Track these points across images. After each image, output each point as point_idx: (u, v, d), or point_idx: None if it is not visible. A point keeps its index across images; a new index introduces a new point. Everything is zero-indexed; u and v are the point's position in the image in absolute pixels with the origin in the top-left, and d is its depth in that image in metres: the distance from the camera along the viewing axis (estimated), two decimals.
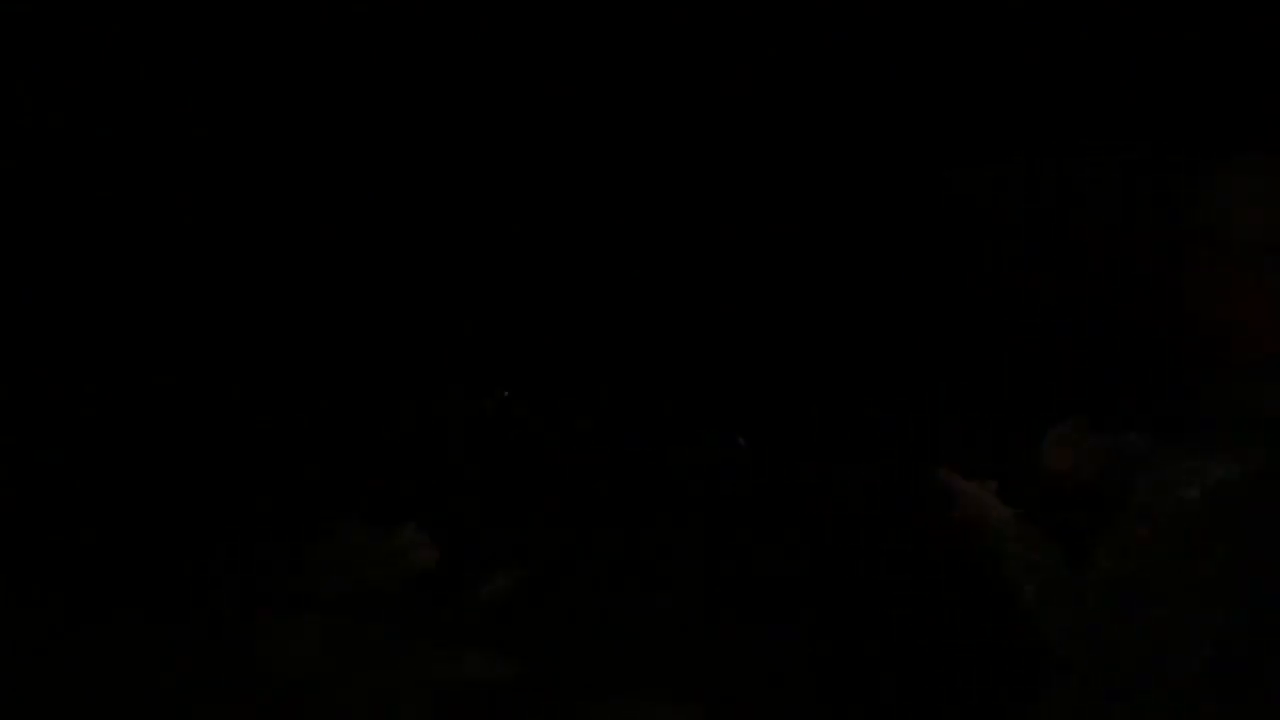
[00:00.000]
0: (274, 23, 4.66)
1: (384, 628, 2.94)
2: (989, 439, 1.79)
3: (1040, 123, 4.28)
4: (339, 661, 2.78)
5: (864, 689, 2.89)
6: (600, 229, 5.05)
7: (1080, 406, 1.81)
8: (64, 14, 4.19)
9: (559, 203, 5.07)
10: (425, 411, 4.00)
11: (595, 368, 4.21)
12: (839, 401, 3.89)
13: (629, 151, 5.08)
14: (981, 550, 1.61)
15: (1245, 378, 1.45)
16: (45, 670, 2.68)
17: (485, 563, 3.22)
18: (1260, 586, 1.37)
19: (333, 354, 4.16)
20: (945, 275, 4.70)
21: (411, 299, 4.56)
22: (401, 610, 3.03)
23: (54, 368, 3.86)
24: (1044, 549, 1.55)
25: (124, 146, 4.36)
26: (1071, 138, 4.24)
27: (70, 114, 4.24)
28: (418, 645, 2.90)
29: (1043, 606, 1.50)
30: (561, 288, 4.92)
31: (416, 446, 3.80)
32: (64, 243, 4.16)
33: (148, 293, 4.16)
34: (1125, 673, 1.44)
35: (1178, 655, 1.42)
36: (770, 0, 4.80)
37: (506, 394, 3.70)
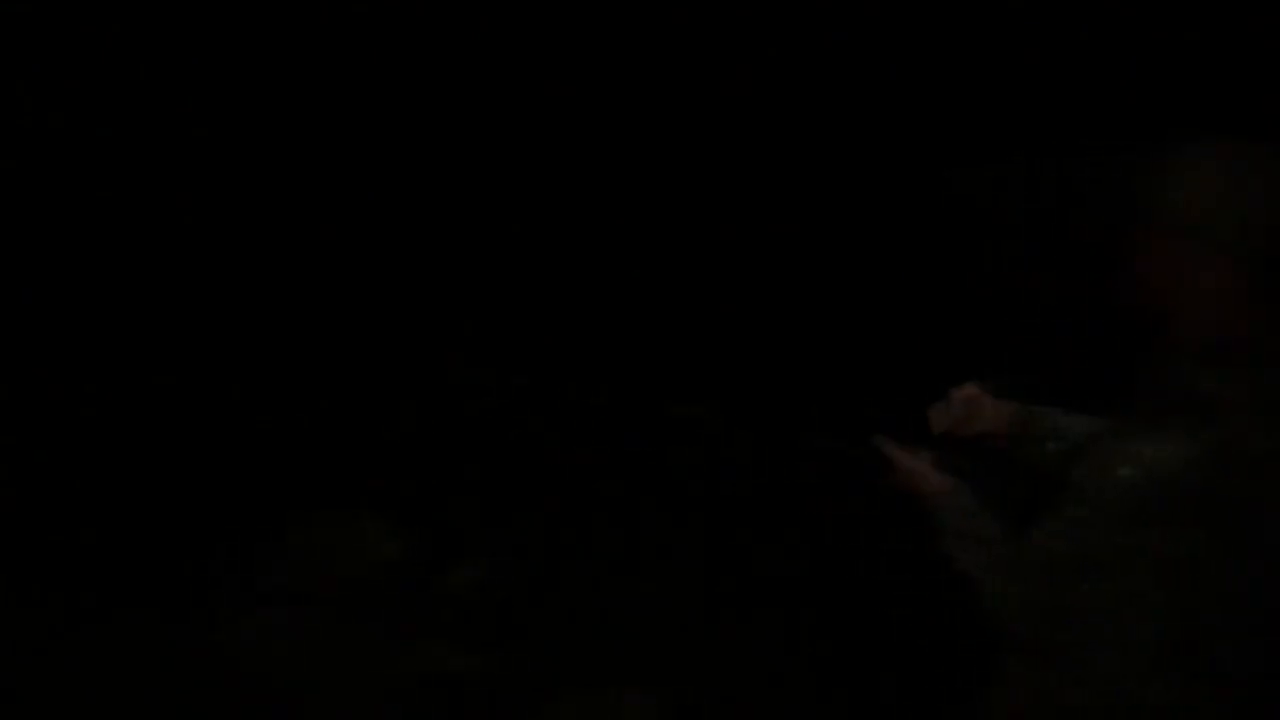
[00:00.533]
0: (274, 23, 4.67)
1: (350, 621, 2.93)
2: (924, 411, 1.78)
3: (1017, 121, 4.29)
4: (305, 655, 2.77)
5: (808, 658, 2.92)
6: (598, 226, 5.05)
7: (1021, 382, 1.82)
8: (64, 14, 4.19)
9: (554, 200, 5.07)
10: (391, 405, 4.01)
11: (566, 350, 4.21)
12: (783, 374, 3.95)
13: (630, 152, 5.08)
14: (918, 519, 1.60)
15: (1184, 361, 1.45)
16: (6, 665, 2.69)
17: (451, 554, 3.27)
18: (1201, 563, 1.37)
19: (299, 351, 4.14)
20: (893, 258, 4.69)
21: (372, 292, 4.55)
22: (367, 602, 3.03)
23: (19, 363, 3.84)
24: (980, 519, 1.54)
25: (124, 146, 4.36)
26: (1043, 136, 4.23)
27: (70, 114, 4.24)
28: (384, 638, 2.88)
29: (982, 577, 1.50)
30: (545, 277, 4.92)
31: (382, 440, 3.85)
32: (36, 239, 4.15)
33: (109, 291, 4.13)
34: (1071, 647, 1.44)
35: (1123, 630, 1.42)
36: (771, 1, 4.82)
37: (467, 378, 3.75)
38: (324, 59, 4.68)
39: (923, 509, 1.60)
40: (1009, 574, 1.49)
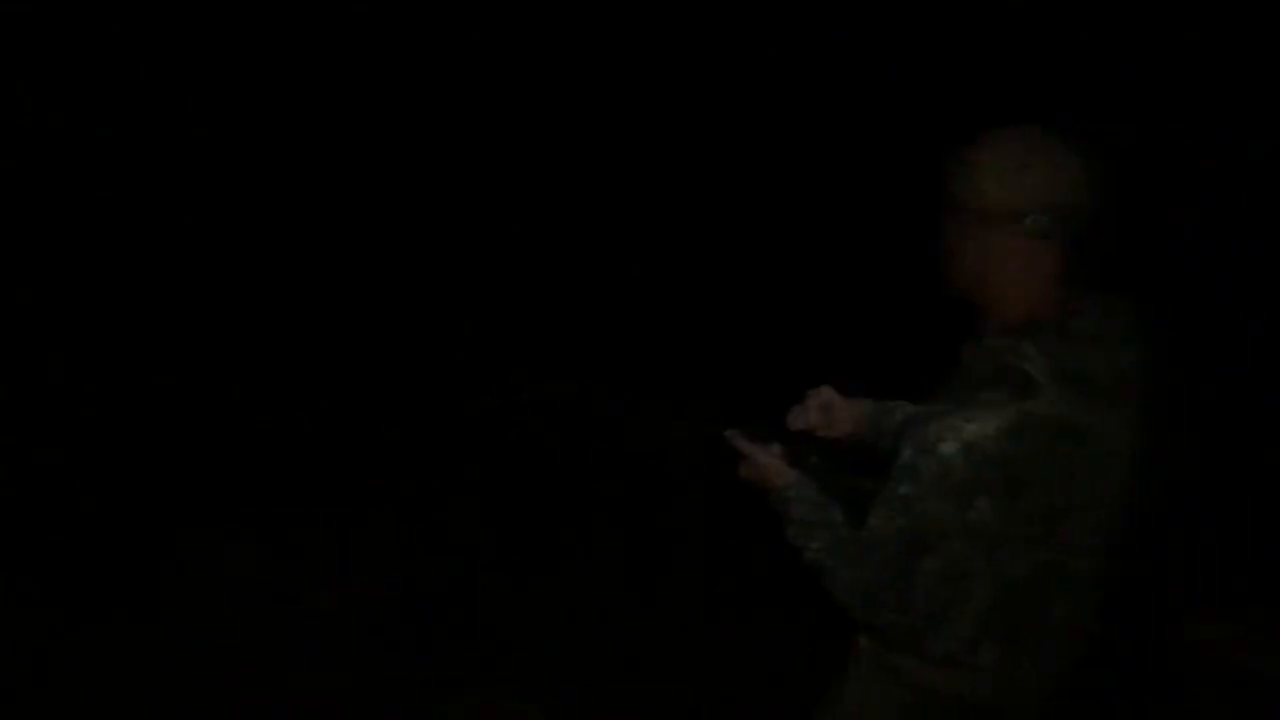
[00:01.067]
0: (274, 23, 4.67)
1: (221, 638, 2.88)
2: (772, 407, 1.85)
3: None
4: (175, 673, 2.72)
5: (662, 645, 2.96)
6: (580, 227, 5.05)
7: (860, 377, 1.88)
8: (64, 14, 4.19)
9: (554, 200, 5.08)
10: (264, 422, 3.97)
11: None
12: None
13: (629, 152, 5.08)
14: (769, 509, 1.66)
15: (998, 339, 1.52)
16: None
17: (318, 571, 3.23)
18: (1014, 530, 1.43)
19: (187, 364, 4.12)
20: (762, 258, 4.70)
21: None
22: (238, 619, 2.99)
23: None
24: (826, 508, 1.58)
25: (124, 147, 4.36)
26: None
27: (70, 114, 4.24)
28: (254, 655, 2.82)
29: (828, 562, 1.55)
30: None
31: (253, 457, 3.79)
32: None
33: None
34: (914, 623, 1.49)
35: (954, 602, 1.48)
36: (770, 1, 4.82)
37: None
38: (326, 59, 4.68)
39: (771, 500, 1.66)
40: (851, 558, 1.55)
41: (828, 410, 1.87)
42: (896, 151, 4.05)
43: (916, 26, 4.43)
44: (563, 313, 4.61)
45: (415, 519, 3.60)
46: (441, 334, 4.46)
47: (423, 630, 3.07)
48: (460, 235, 4.79)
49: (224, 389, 4.06)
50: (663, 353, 4.19)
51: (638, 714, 2.79)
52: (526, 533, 3.55)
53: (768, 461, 1.71)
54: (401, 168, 4.82)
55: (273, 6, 4.56)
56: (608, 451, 3.69)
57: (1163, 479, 1.70)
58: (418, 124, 4.84)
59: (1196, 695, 2.78)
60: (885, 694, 1.66)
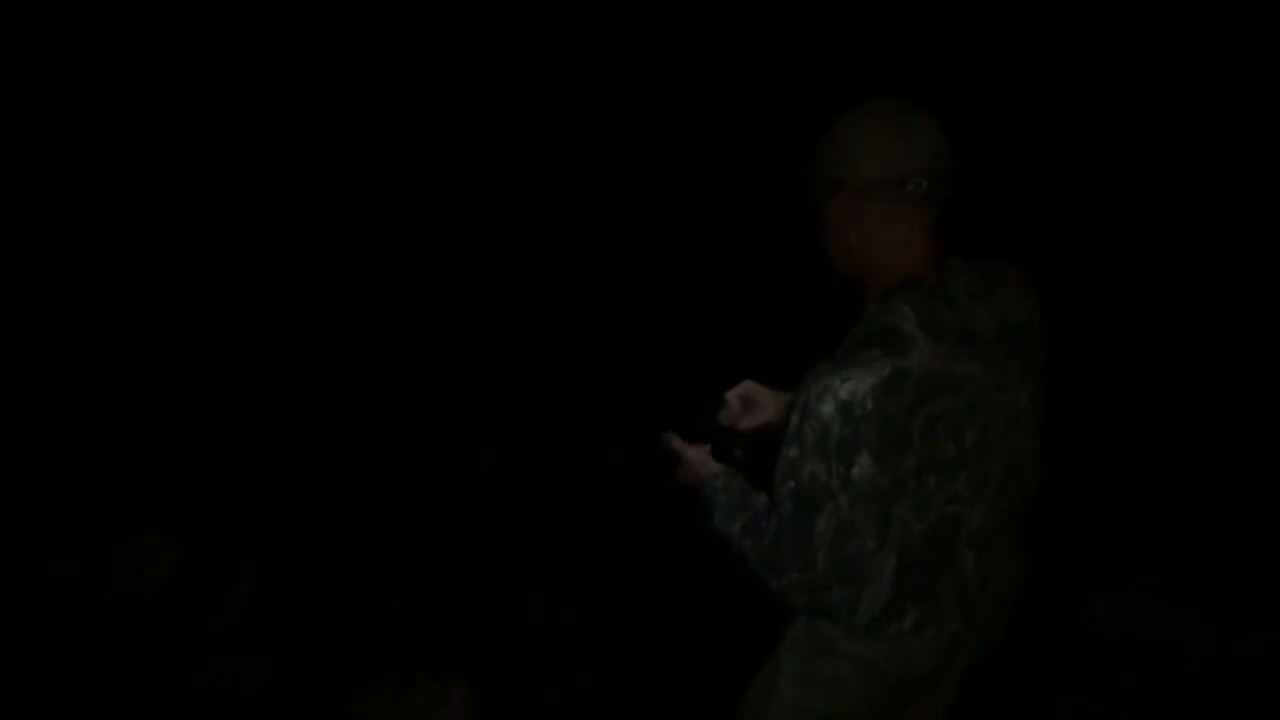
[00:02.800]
0: (274, 23, 4.67)
1: (129, 637, 2.83)
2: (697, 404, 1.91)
3: None
4: (85, 674, 2.66)
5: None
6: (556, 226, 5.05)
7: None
8: (64, 14, 4.19)
9: (552, 200, 5.08)
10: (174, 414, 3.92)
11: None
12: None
13: (629, 152, 5.08)
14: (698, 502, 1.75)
15: (875, 301, 1.57)
16: None
17: (232, 566, 3.17)
18: (913, 486, 1.48)
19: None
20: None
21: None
22: (148, 618, 2.94)
23: None
24: (750, 494, 1.64)
25: (124, 146, 4.36)
26: None
27: (70, 114, 4.24)
28: (165, 653, 2.79)
29: (746, 543, 1.61)
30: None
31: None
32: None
33: None
34: (819, 581, 1.53)
35: (865, 564, 1.52)
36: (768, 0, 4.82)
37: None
38: (326, 59, 4.68)
39: (701, 492, 1.72)
40: (760, 529, 1.60)
41: (747, 402, 1.92)
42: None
43: (916, 26, 4.43)
44: (562, 313, 4.61)
45: (415, 518, 3.60)
46: (441, 334, 4.47)
47: (422, 629, 3.07)
48: (460, 235, 4.79)
49: (223, 389, 4.06)
50: (662, 353, 4.19)
51: (637, 714, 2.80)
52: (526, 533, 3.56)
53: (694, 458, 1.77)
54: (401, 168, 4.82)
55: (273, 6, 4.56)
56: (607, 452, 3.70)
57: (1099, 434, 1.75)
58: (418, 124, 4.84)
59: (1100, 665, 2.81)
60: (824, 665, 1.69)
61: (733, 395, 1.92)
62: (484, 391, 4.20)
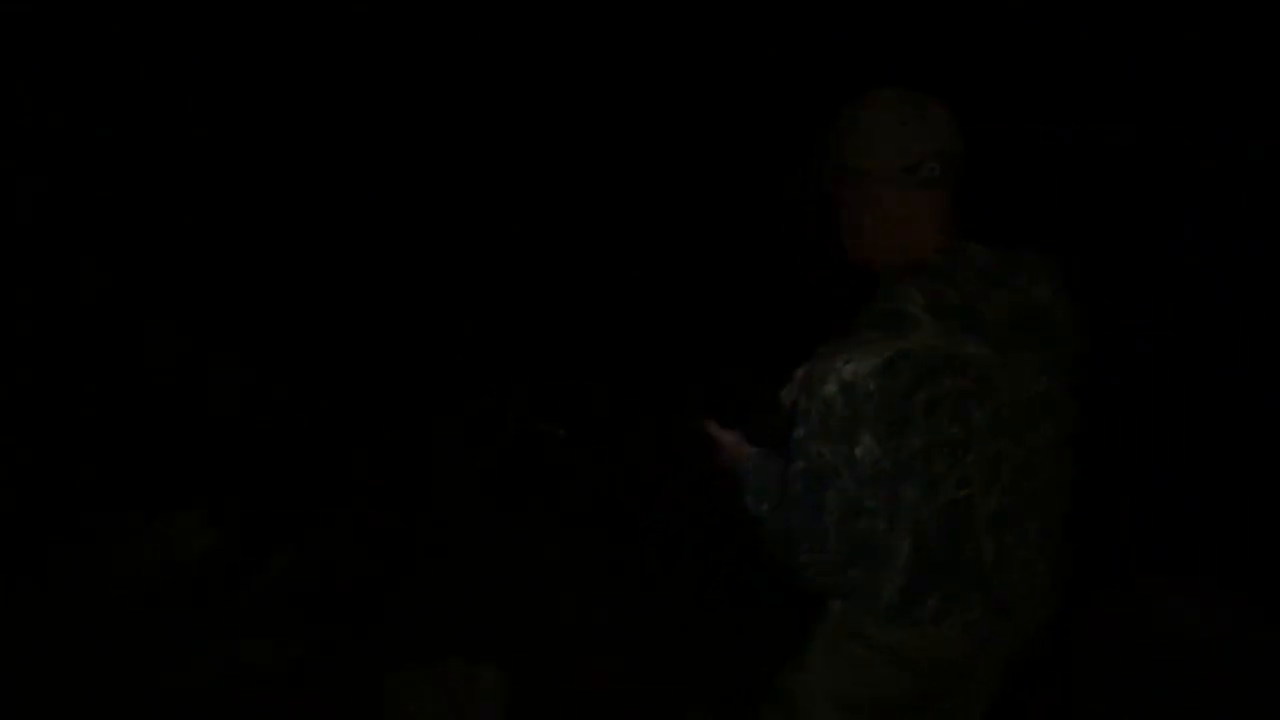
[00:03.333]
0: (274, 23, 4.67)
1: (165, 615, 2.84)
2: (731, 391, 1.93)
3: None
4: (121, 652, 2.69)
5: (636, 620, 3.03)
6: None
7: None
8: (64, 14, 4.19)
9: (551, 200, 5.08)
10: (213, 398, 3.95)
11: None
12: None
13: (628, 152, 5.08)
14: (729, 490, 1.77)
15: (881, 284, 1.58)
16: None
17: (264, 546, 3.21)
18: (920, 467, 1.49)
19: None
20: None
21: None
22: (182, 597, 2.95)
23: None
24: (782, 480, 1.62)
25: (124, 146, 4.36)
26: None
27: (70, 114, 4.24)
28: (193, 633, 2.80)
29: (769, 518, 1.64)
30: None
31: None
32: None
33: None
34: (831, 561, 1.54)
35: (877, 545, 1.53)
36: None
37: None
38: (326, 59, 4.68)
39: (738, 474, 1.76)
40: (776, 504, 1.62)
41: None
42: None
43: (916, 26, 4.43)
44: (562, 313, 4.61)
45: (415, 518, 3.60)
46: (441, 334, 4.46)
47: (422, 627, 3.07)
48: (459, 236, 4.79)
49: (223, 389, 4.06)
50: (662, 353, 4.19)
51: (637, 714, 2.80)
52: (526, 533, 3.55)
53: (733, 442, 1.79)
54: (401, 168, 4.81)
55: (273, 6, 4.56)
56: (606, 451, 3.70)
57: (1099, 434, 1.76)
58: (417, 124, 4.84)
59: (1100, 664, 2.82)
60: (853, 652, 1.69)
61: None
62: (484, 391, 4.20)
